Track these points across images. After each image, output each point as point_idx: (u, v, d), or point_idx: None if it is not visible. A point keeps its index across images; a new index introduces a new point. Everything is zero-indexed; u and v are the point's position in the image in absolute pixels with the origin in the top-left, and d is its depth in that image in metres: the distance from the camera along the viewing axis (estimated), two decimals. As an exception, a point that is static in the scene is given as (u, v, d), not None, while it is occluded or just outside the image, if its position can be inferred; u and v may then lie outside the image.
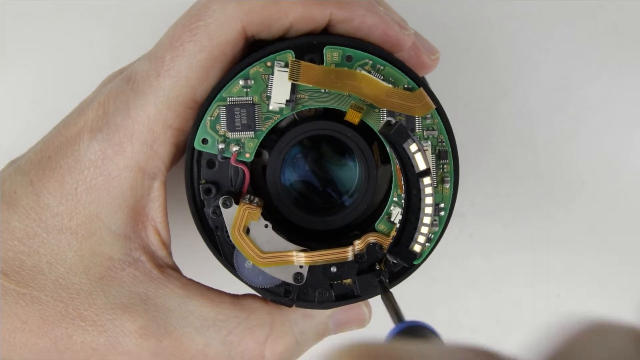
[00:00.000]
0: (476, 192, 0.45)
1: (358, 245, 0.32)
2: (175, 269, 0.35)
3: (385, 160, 0.32)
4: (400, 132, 0.28)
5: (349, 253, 0.32)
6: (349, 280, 0.32)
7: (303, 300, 0.33)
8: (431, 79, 0.36)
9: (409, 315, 0.45)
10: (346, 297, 0.33)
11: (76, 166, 0.33)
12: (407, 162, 0.29)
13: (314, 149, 0.34)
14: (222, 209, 0.32)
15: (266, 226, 0.32)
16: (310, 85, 0.31)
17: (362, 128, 0.32)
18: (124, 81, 0.34)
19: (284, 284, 0.32)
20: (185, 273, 0.35)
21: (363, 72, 0.31)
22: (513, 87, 0.45)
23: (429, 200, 0.29)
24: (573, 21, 0.44)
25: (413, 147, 0.28)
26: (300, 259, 0.32)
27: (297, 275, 0.32)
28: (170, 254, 0.35)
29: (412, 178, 0.29)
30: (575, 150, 0.45)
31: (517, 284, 0.45)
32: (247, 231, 0.32)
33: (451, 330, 0.45)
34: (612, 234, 0.45)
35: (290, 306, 0.33)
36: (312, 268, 0.32)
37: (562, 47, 0.45)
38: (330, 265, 0.32)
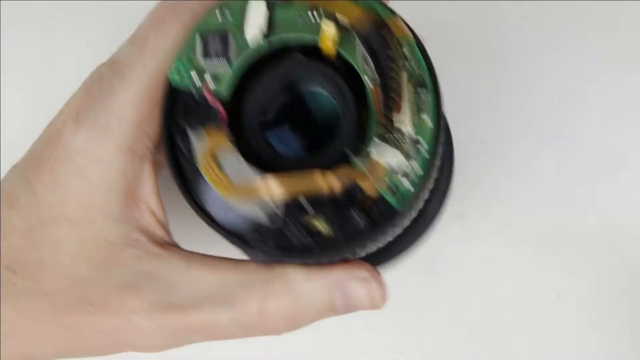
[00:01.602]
0: (476, 192, 0.44)
1: (333, 180, 0.30)
2: (175, 245, 0.35)
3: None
4: None
5: (322, 182, 0.30)
6: (326, 230, 0.30)
7: (283, 248, 0.31)
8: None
9: (409, 315, 0.44)
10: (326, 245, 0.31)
11: (66, 156, 0.34)
12: None
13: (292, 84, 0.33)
14: (189, 131, 0.30)
15: (237, 156, 0.30)
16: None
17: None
18: (106, 66, 0.34)
19: (257, 229, 0.30)
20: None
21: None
22: (513, 87, 0.44)
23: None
24: (573, 21, 0.44)
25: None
26: (274, 186, 0.30)
27: (274, 216, 0.30)
28: (168, 232, 0.35)
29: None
30: (575, 150, 0.44)
31: (517, 284, 0.44)
32: (218, 162, 0.30)
33: (451, 330, 0.44)
34: (612, 233, 0.44)
35: (267, 251, 0.31)
36: (287, 208, 0.30)
37: (563, 47, 0.44)
38: (308, 200, 0.30)
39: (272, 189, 0.30)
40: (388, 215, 0.30)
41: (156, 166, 0.35)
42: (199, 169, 0.30)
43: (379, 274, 0.34)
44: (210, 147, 0.30)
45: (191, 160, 0.31)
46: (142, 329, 0.33)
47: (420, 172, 0.30)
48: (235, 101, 0.31)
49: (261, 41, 0.31)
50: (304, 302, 0.33)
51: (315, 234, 0.30)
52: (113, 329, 0.33)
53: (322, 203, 0.30)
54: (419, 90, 0.30)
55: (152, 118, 0.33)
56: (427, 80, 0.30)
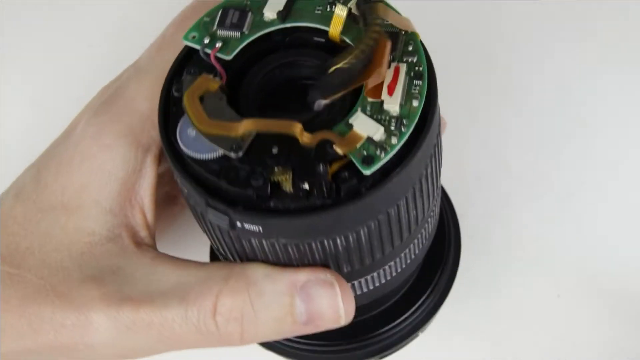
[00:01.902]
0: (476, 192, 0.44)
1: (308, 136, 0.29)
2: (152, 246, 0.34)
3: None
4: None
5: (297, 131, 0.29)
6: (288, 184, 0.29)
7: (234, 180, 0.29)
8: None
9: None
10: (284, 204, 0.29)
11: (74, 143, 0.35)
12: None
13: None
14: (185, 76, 0.31)
15: (221, 99, 0.30)
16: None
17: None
18: (129, 67, 0.37)
19: (223, 159, 0.29)
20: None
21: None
22: (513, 87, 0.45)
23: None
24: (573, 21, 0.45)
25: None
26: (245, 124, 0.29)
27: (235, 145, 0.29)
28: (152, 236, 0.35)
29: None
30: (575, 151, 0.45)
31: (517, 284, 0.43)
32: (202, 100, 0.30)
33: (451, 330, 0.43)
34: (612, 233, 0.43)
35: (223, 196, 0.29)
36: (252, 147, 0.29)
37: (563, 47, 0.45)
38: (273, 144, 0.29)
39: (246, 128, 0.29)
40: (354, 185, 0.29)
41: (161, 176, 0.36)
42: (183, 104, 0.30)
43: (346, 283, 0.31)
44: (199, 85, 0.31)
45: (179, 99, 0.31)
46: (95, 323, 0.32)
47: (396, 143, 0.29)
48: (238, 73, 0.32)
49: (275, 21, 0.33)
50: (262, 303, 0.31)
51: (274, 185, 0.29)
52: (69, 323, 0.32)
53: (289, 150, 0.29)
54: (415, 82, 0.31)
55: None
56: (424, 74, 0.31)
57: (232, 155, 0.29)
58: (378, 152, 0.29)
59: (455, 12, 0.48)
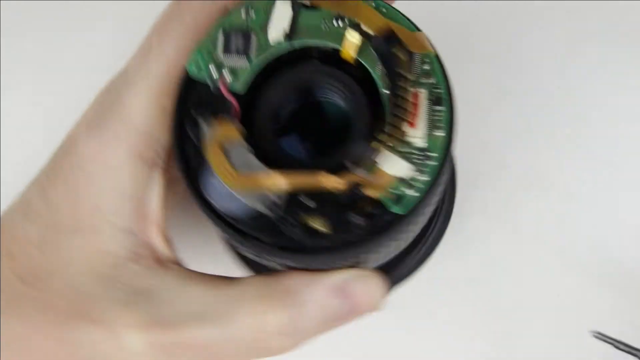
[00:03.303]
0: (476, 192, 0.44)
1: (336, 180, 0.29)
2: (176, 262, 0.34)
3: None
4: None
5: (325, 180, 0.29)
6: (324, 228, 0.30)
7: (282, 245, 0.30)
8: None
9: (409, 316, 0.43)
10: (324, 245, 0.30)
11: (78, 163, 0.34)
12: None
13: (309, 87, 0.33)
14: (200, 120, 0.30)
15: (245, 148, 0.30)
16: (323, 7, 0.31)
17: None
18: (117, 76, 0.35)
19: (260, 217, 0.30)
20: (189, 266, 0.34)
21: (365, 3, 0.31)
22: (513, 87, 0.45)
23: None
24: (573, 21, 0.45)
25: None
26: (278, 180, 0.29)
27: (273, 205, 0.29)
28: (172, 248, 0.34)
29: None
30: (575, 151, 0.45)
31: (517, 283, 0.43)
32: (225, 151, 0.30)
33: (450, 330, 0.43)
34: (612, 233, 0.44)
35: (265, 249, 0.30)
36: (289, 202, 0.29)
37: (562, 46, 0.45)
38: (309, 196, 0.29)
39: (276, 182, 0.29)
40: (390, 221, 0.30)
41: (171, 182, 0.35)
42: (205, 156, 0.30)
43: (377, 274, 0.33)
44: (220, 136, 0.30)
45: (198, 148, 0.30)
46: (133, 348, 0.32)
47: (427, 179, 0.30)
48: (250, 99, 0.31)
49: (283, 43, 0.31)
50: (306, 312, 0.32)
51: (313, 232, 0.29)
52: (106, 347, 0.32)
53: (323, 202, 0.29)
54: (436, 107, 0.30)
55: (163, 124, 0.33)
56: (445, 97, 0.30)
57: (272, 215, 0.29)
58: (410, 192, 0.30)
59: (455, 11, 0.46)
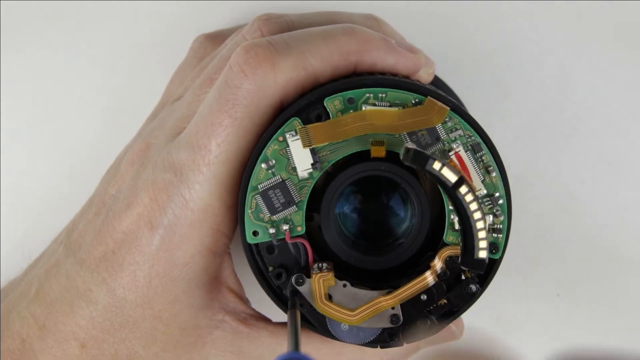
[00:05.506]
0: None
1: (437, 264, 0.32)
2: (258, 317, 0.36)
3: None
4: (417, 158, 0.28)
5: (430, 277, 0.32)
6: (443, 300, 0.32)
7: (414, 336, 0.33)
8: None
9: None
10: (447, 314, 0.33)
11: (145, 261, 0.35)
12: (439, 180, 0.29)
13: (358, 193, 0.35)
14: (298, 288, 0.32)
15: (344, 285, 0.32)
16: (327, 143, 0.31)
17: (395, 157, 0.32)
18: (168, 172, 0.34)
19: (385, 329, 0.33)
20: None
21: (368, 107, 0.31)
22: (513, 87, 0.45)
23: (473, 206, 0.29)
24: (573, 21, 0.44)
25: (436, 166, 0.28)
26: (390, 301, 0.32)
27: (393, 317, 0.32)
28: (248, 304, 0.36)
29: (451, 191, 0.29)
30: (575, 150, 0.45)
31: (517, 283, 0.45)
32: (330, 297, 0.32)
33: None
34: (612, 233, 0.45)
35: (401, 345, 0.33)
36: (403, 305, 0.32)
37: (562, 46, 0.44)
38: (419, 294, 0.32)
39: (387, 301, 0.32)
40: (491, 268, 0.33)
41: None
42: (319, 311, 0.32)
43: None
44: (321, 290, 0.32)
45: (305, 305, 0.32)
46: None
47: (503, 219, 0.32)
48: (310, 232, 0.33)
49: (314, 172, 0.32)
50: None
51: (433, 313, 0.33)
52: None
53: (434, 289, 0.32)
54: (478, 154, 0.32)
55: (227, 219, 0.34)
56: (480, 141, 0.32)
57: (394, 325, 0.32)
58: (498, 237, 0.32)
59: (455, 11, 0.42)
